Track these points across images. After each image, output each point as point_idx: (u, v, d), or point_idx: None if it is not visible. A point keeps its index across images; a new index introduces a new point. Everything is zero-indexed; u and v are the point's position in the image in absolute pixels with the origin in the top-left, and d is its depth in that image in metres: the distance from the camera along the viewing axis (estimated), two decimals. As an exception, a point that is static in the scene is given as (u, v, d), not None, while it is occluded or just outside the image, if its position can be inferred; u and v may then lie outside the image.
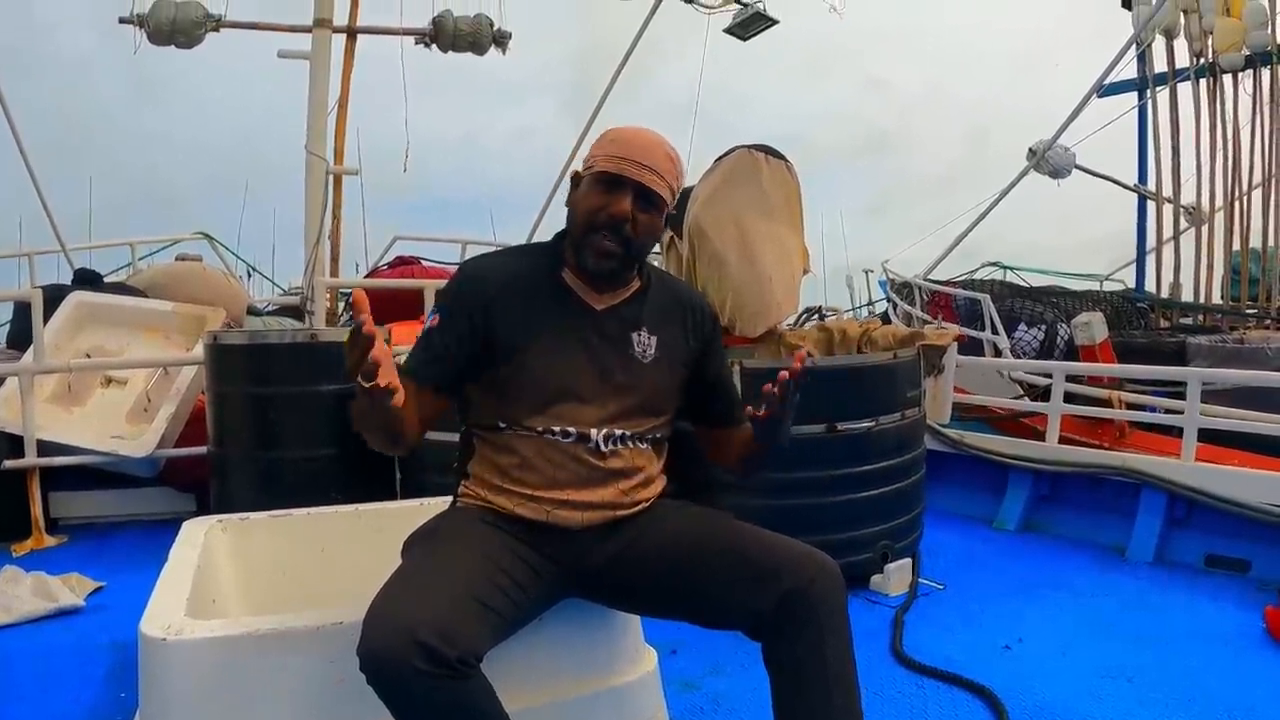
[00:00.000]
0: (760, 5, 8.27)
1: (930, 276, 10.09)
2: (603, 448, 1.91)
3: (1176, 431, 4.54)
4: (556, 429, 1.89)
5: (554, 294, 1.92)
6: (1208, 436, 4.86)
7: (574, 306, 1.94)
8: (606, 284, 1.95)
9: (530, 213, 9.72)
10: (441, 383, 1.89)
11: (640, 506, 1.97)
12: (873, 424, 3.65)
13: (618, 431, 1.92)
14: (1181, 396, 4.57)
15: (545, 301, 1.91)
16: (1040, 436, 5.03)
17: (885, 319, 10.10)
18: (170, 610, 1.87)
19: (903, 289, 10.00)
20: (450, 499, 2.06)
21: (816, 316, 9.39)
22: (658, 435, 2.01)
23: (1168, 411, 5.39)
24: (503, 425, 1.92)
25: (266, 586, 2.52)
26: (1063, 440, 5.00)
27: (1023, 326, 8.12)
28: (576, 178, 1.97)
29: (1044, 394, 5.30)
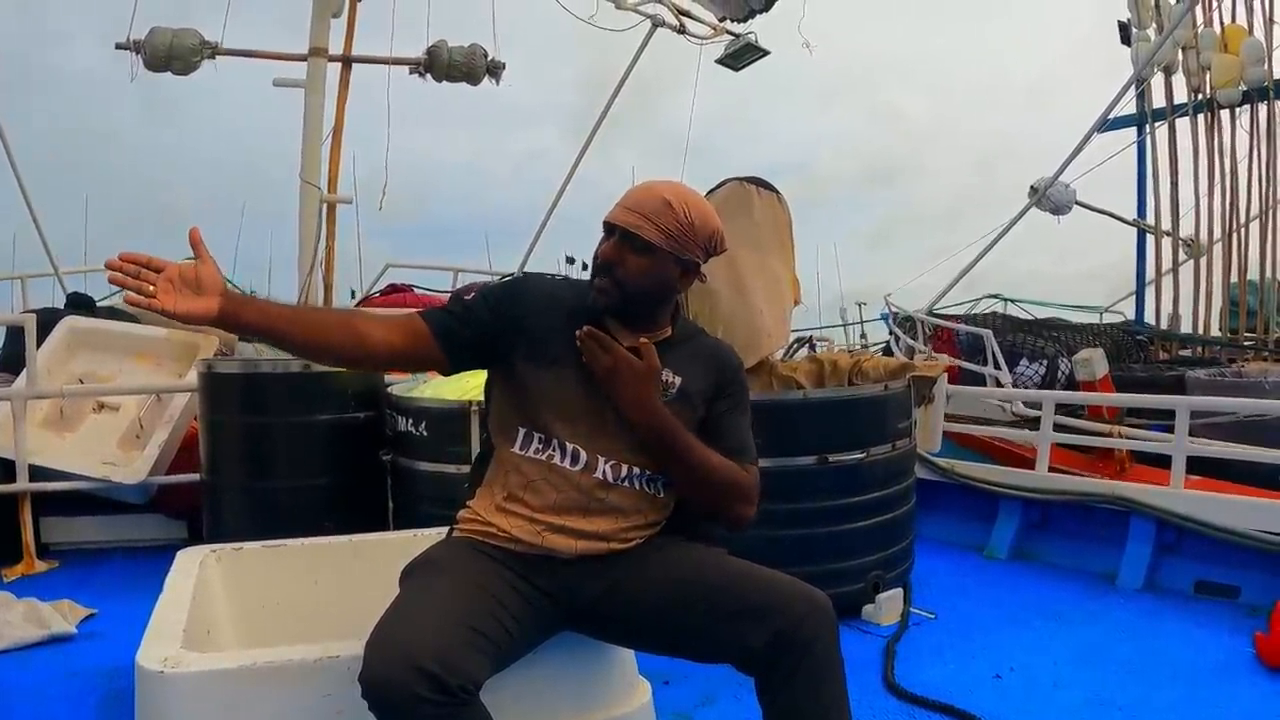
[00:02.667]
0: (752, 36, 8.30)
1: (934, 308, 10.14)
2: (609, 479, 1.95)
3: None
4: (569, 446, 1.95)
5: (589, 322, 1.98)
6: (1206, 472, 4.88)
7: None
8: (639, 319, 2.02)
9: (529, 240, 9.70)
10: (440, 330, 1.94)
11: (634, 543, 2.00)
12: (864, 455, 3.67)
13: (625, 468, 1.96)
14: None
15: (578, 326, 1.96)
16: (1034, 467, 5.05)
17: (888, 351, 10.13)
18: (166, 642, 1.88)
19: (905, 323, 10.04)
20: (446, 529, 2.09)
21: (807, 347, 9.41)
22: (668, 483, 2.04)
23: (1162, 442, 5.40)
24: (519, 436, 1.98)
25: (261, 617, 2.53)
26: (1062, 473, 5.02)
27: (1024, 361, 8.15)
28: None
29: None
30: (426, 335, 1.93)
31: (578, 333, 1.84)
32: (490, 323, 1.96)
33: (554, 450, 1.96)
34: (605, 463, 1.95)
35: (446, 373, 2.06)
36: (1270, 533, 3.93)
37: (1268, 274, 11.79)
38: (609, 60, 8.63)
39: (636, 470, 1.98)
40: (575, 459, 1.95)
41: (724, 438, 2.03)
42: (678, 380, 2.02)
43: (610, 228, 1.98)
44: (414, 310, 2.02)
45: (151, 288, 1.66)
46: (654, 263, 1.97)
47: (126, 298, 1.65)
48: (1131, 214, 13.07)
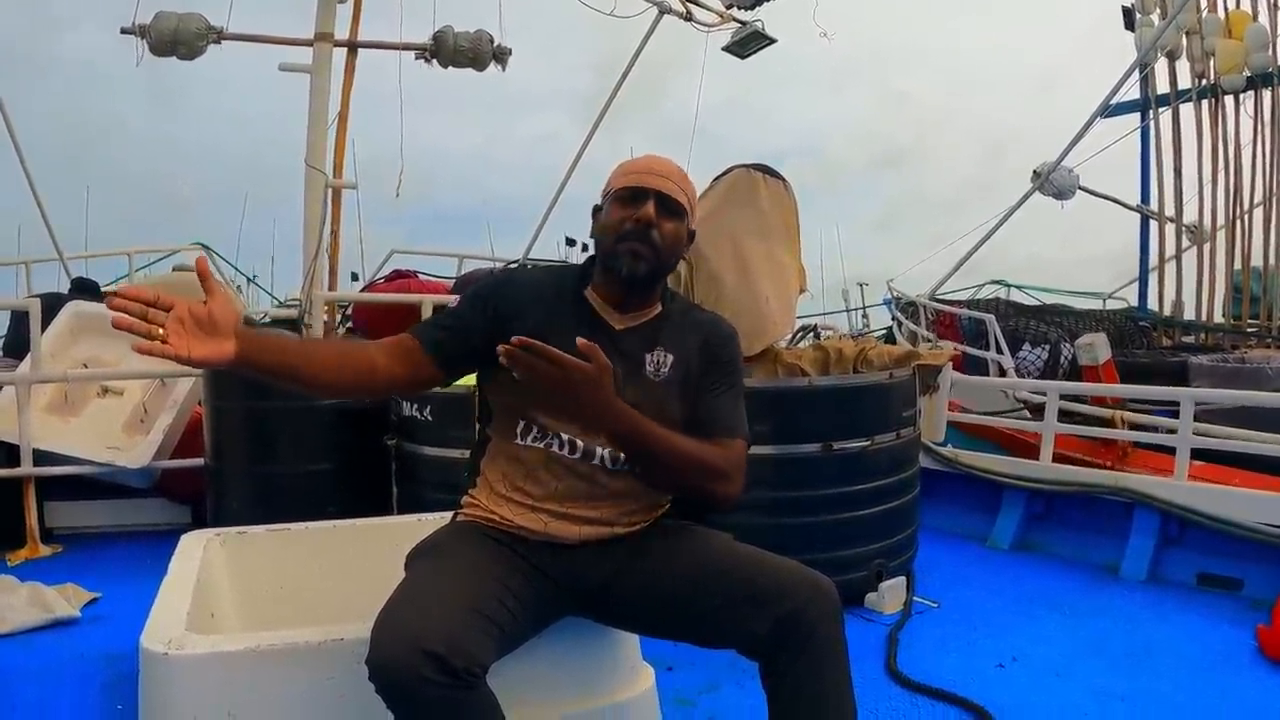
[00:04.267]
0: (759, 24, 8.30)
1: (937, 293, 10.13)
2: (608, 465, 1.94)
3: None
4: (565, 437, 1.93)
5: (576, 310, 1.98)
6: (1210, 456, 4.88)
7: (593, 322, 1.98)
8: (636, 298, 2.00)
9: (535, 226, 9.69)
10: (435, 350, 1.93)
11: (638, 526, 2.00)
12: (868, 443, 3.66)
13: (623, 454, 1.93)
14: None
15: (566, 316, 1.96)
16: (1038, 455, 5.04)
17: (890, 338, 10.13)
18: (171, 624, 1.89)
19: (908, 308, 10.04)
20: (450, 514, 2.09)
21: (812, 335, 9.41)
22: None
23: (1169, 431, 5.40)
24: (516, 429, 1.97)
25: (264, 600, 2.54)
26: (1066, 460, 5.02)
27: (1027, 346, 8.15)
28: (597, 210, 2.05)
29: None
30: (419, 353, 1.92)
31: (501, 349, 1.70)
32: (483, 326, 1.94)
33: (552, 439, 1.95)
34: (603, 450, 1.94)
35: (444, 385, 2.06)
36: (1274, 525, 3.93)
37: (1271, 260, 11.80)
38: (623, 45, 8.61)
39: None
40: (574, 448, 1.94)
41: (710, 415, 2.00)
42: (669, 359, 2.00)
43: (643, 192, 1.94)
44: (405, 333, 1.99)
45: (161, 330, 1.57)
46: (682, 229, 1.99)
47: (135, 345, 1.56)
48: (1135, 200, 13.06)
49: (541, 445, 1.95)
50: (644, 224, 1.92)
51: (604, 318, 1.99)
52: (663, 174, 1.96)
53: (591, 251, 2.07)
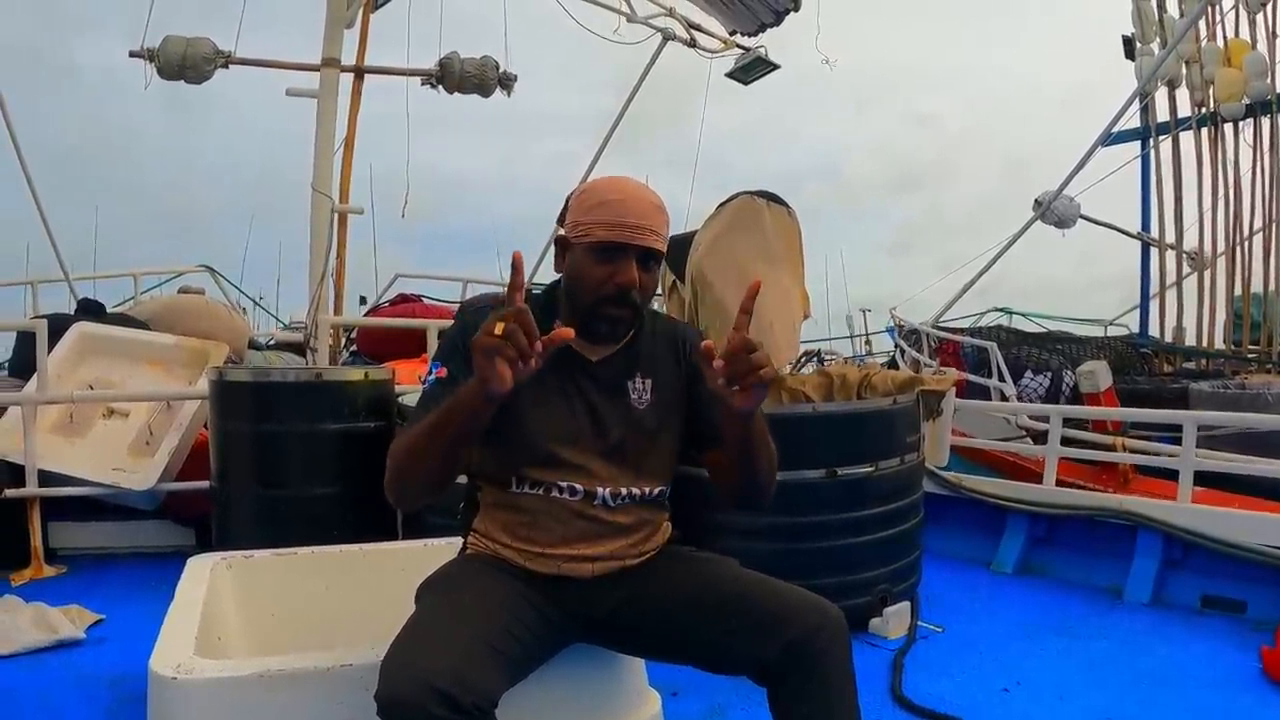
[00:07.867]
0: (761, 50, 8.35)
1: (939, 320, 10.15)
2: (610, 503, 1.93)
3: (1178, 477, 4.56)
4: (563, 485, 1.91)
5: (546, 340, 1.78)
6: (1211, 483, 4.88)
7: (568, 359, 1.91)
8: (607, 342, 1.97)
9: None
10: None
11: (647, 556, 2.00)
12: (872, 468, 3.67)
13: (623, 490, 1.94)
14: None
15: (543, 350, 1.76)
16: (1040, 480, 5.05)
17: (893, 365, 10.15)
18: (179, 648, 1.89)
19: (910, 335, 10.05)
20: (460, 541, 2.09)
21: (816, 360, 9.43)
22: (665, 493, 2.04)
23: (1169, 456, 5.40)
24: (510, 481, 1.93)
25: (271, 625, 2.54)
26: (1068, 487, 5.02)
27: (1029, 373, 8.16)
28: (564, 242, 1.94)
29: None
30: None
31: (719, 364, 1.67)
32: (470, 373, 1.74)
33: (551, 485, 1.92)
34: (603, 489, 1.93)
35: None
36: (1278, 547, 3.93)
37: (1271, 286, 11.84)
38: (631, 72, 8.64)
39: (636, 491, 1.96)
40: (574, 491, 1.92)
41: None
42: (649, 383, 1.98)
43: (622, 250, 1.84)
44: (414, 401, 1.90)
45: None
46: (658, 270, 1.95)
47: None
48: (1137, 227, 13.11)
49: (541, 492, 1.92)
50: (627, 288, 1.85)
51: (579, 351, 1.93)
52: (640, 222, 1.84)
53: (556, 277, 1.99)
